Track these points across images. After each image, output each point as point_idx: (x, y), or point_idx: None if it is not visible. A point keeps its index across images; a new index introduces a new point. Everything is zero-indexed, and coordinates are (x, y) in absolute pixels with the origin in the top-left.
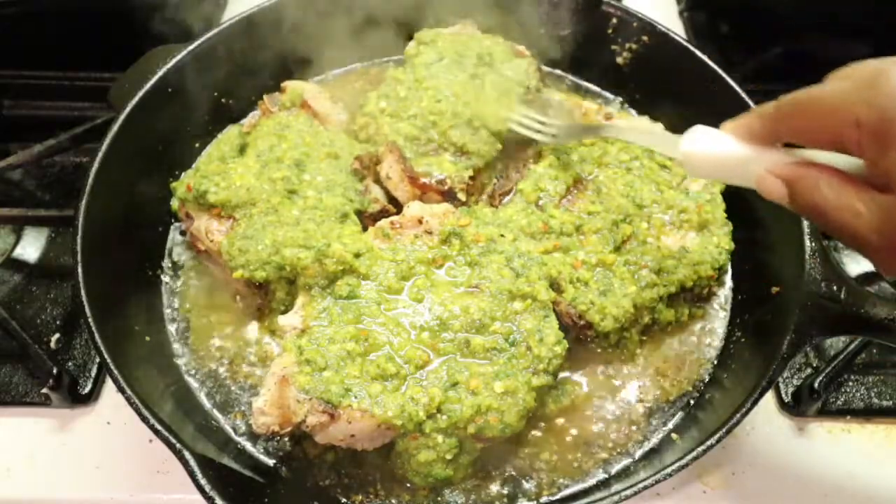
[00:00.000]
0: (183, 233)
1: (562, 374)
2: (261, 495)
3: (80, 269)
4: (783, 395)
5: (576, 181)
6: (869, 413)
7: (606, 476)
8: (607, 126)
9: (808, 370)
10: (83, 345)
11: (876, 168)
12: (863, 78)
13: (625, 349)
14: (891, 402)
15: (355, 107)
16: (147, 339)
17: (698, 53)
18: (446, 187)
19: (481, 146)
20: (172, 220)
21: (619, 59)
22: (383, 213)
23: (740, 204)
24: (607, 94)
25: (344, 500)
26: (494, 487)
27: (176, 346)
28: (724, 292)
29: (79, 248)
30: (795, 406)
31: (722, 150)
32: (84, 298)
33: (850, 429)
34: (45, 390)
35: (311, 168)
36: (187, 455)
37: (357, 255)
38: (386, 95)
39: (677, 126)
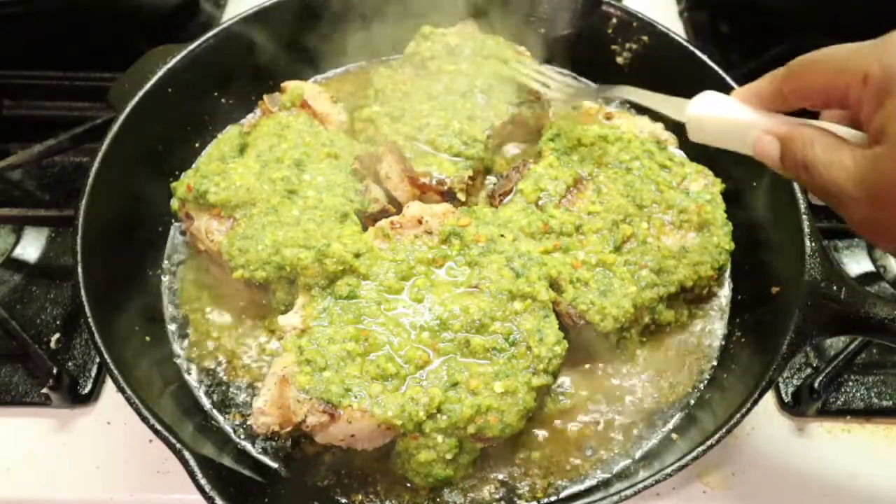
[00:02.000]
0: (183, 233)
1: (561, 375)
2: (261, 495)
3: (80, 269)
4: (783, 395)
5: (576, 181)
6: (869, 413)
7: (606, 476)
8: (617, 87)
9: (808, 370)
10: (83, 345)
11: (870, 123)
12: (879, 39)
13: (625, 349)
14: (891, 402)
15: (355, 107)
16: (147, 339)
17: (698, 53)
18: (446, 187)
19: (471, 151)
20: (172, 220)
21: (619, 59)
22: (383, 213)
23: (740, 204)
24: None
25: (344, 500)
26: (493, 488)
27: (176, 346)
28: (724, 292)
29: (79, 248)
30: (795, 406)
31: (726, 114)
32: (84, 298)
33: (850, 429)
34: (45, 390)
35: (311, 168)
36: (187, 455)
37: (357, 255)
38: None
39: (677, 127)
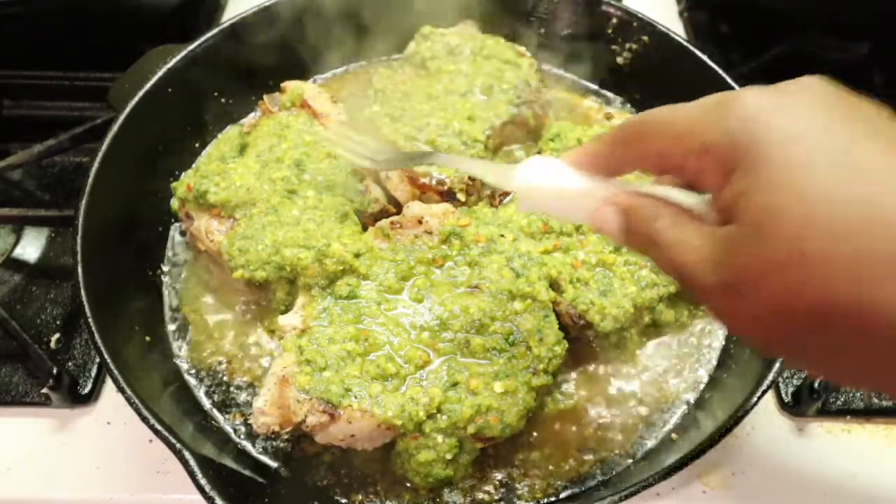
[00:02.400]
0: (183, 233)
1: (561, 375)
2: (261, 495)
3: (80, 269)
4: (783, 395)
5: None
6: (869, 413)
7: (606, 476)
8: (435, 154)
9: None
10: (83, 345)
11: (718, 199)
12: (714, 101)
13: (625, 349)
14: (891, 402)
15: (355, 107)
16: (147, 339)
17: (698, 53)
18: (446, 187)
19: (471, 151)
20: (172, 220)
21: (619, 59)
22: (383, 213)
23: None
24: (607, 94)
25: (344, 500)
26: (493, 488)
27: (176, 346)
28: None
29: (79, 248)
30: (795, 406)
31: (557, 183)
32: (84, 298)
33: (850, 429)
34: (45, 390)
35: (311, 168)
36: (187, 455)
37: (357, 255)
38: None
39: None
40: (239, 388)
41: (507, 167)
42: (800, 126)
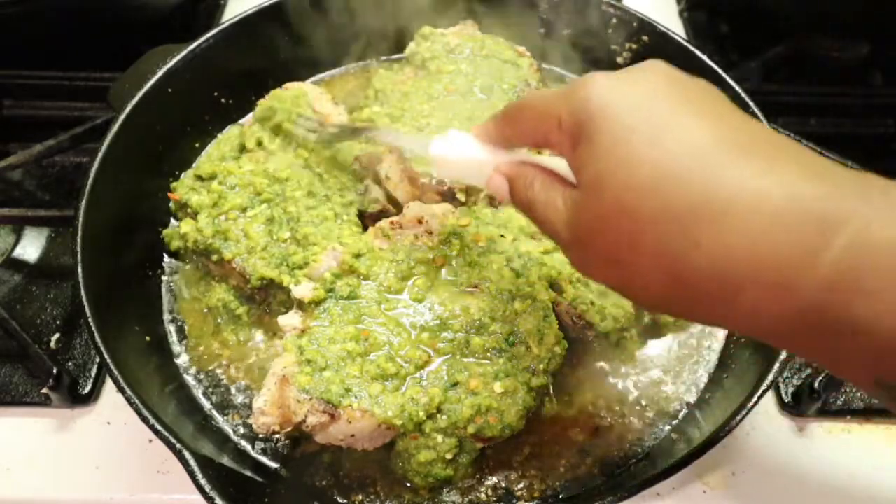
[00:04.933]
0: None
1: (561, 375)
2: (261, 495)
3: (80, 269)
4: (783, 395)
5: None
6: (869, 413)
7: (606, 476)
8: (369, 128)
9: (808, 370)
10: (83, 345)
11: (571, 167)
12: (570, 85)
13: (625, 350)
14: None
15: (355, 107)
16: (147, 339)
17: (698, 53)
18: (446, 187)
19: None
20: (173, 220)
21: (619, 59)
22: (383, 213)
23: None
24: None
25: (343, 500)
26: (492, 489)
27: (176, 346)
28: None
29: (79, 248)
30: (795, 406)
31: (464, 153)
32: (84, 298)
33: (851, 429)
34: (45, 390)
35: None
36: (187, 455)
37: (357, 256)
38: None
39: None
40: (238, 388)
41: (425, 139)
42: (631, 102)
